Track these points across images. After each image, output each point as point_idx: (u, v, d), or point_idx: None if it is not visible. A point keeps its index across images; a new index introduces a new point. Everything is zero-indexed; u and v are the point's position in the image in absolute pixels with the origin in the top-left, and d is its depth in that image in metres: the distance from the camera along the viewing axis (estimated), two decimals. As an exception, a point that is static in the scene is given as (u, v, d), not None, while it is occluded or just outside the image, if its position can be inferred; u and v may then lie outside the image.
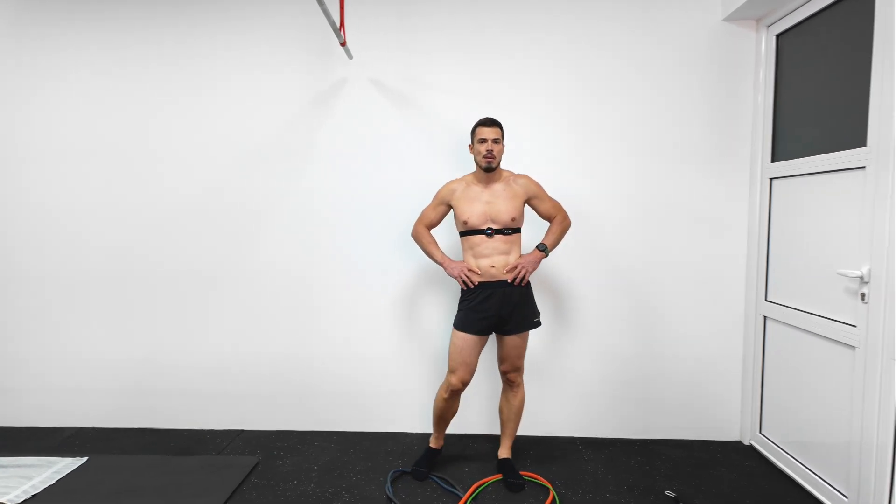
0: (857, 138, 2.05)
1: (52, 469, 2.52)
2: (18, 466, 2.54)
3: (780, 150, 2.59)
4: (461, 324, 2.38)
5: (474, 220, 2.34)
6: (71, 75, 2.97)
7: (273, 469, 2.60)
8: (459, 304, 2.43)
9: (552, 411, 2.94)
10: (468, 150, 2.46)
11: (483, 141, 2.32)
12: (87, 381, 3.10)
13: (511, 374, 2.47)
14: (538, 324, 2.45)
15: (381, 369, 2.99)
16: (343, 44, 2.58)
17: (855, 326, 2.07)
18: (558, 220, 2.43)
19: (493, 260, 2.34)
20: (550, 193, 2.47)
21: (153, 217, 3.00)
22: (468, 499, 2.31)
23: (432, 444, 2.61)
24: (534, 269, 2.36)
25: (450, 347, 2.41)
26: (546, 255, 2.41)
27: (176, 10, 2.91)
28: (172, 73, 2.94)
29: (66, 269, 3.05)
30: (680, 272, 2.84)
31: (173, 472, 2.53)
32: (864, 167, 2.01)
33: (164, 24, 2.92)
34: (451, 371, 2.40)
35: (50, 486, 2.38)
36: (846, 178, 2.12)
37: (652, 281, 2.85)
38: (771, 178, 2.63)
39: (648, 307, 2.87)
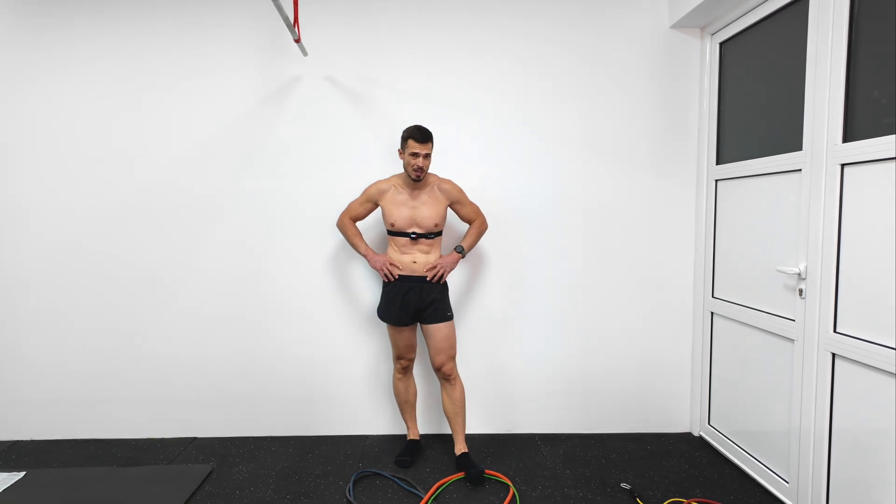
0: (794, 142, 2.16)
1: (-14, 486, 2.37)
2: (-53, 485, 2.37)
3: (725, 153, 2.71)
4: (388, 317, 2.55)
5: (400, 223, 2.50)
6: (31, 75, 2.82)
7: (228, 477, 2.53)
8: (381, 293, 2.60)
9: (510, 408, 2.98)
10: (398, 154, 2.52)
11: (415, 155, 2.41)
12: (23, 390, 2.93)
13: (446, 367, 2.54)
14: (451, 317, 2.57)
15: (337, 372, 2.95)
16: (297, 40, 2.53)
17: (793, 320, 2.18)
18: (476, 224, 2.61)
19: (415, 257, 2.52)
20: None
21: (98, 218, 2.86)
22: (430, 498, 2.31)
23: (410, 437, 2.75)
24: (451, 270, 2.54)
25: (389, 337, 2.65)
26: (463, 257, 2.58)
27: (124, 7, 2.80)
28: (132, 71, 2.83)
29: (-1, 273, 2.89)
30: (630, 270, 2.93)
31: (119, 483, 2.42)
32: (799, 170, 2.13)
33: (113, 22, 2.80)
34: (395, 356, 2.66)
35: (-17, 504, 2.24)
36: (784, 180, 2.24)
37: (604, 279, 2.93)
38: (716, 180, 2.75)
39: (602, 305, 2.94)
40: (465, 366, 2.85)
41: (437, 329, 2.52)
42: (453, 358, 2.57)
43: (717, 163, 2.75)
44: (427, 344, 2.57)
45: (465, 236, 2.62)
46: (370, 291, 2.92)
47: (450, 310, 2.58)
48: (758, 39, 2.46)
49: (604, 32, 2.83)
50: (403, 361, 2.66)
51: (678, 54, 2.84)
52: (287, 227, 2.88)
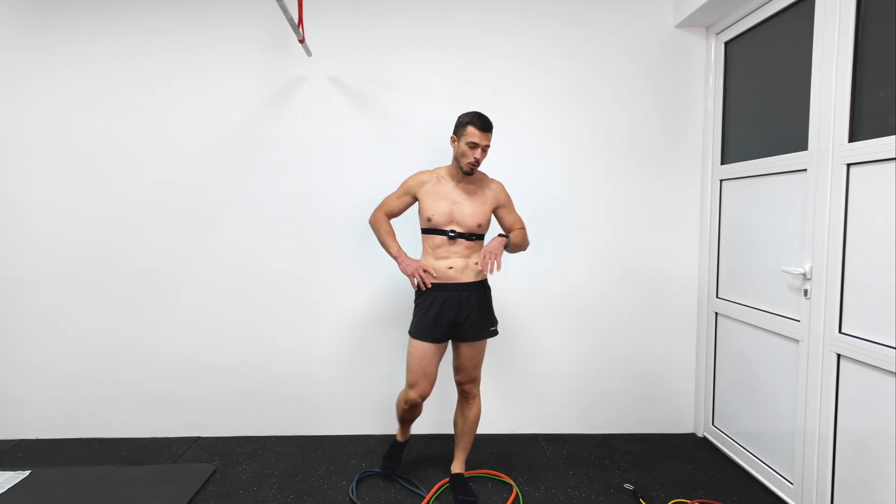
0: (799, 142, 2.15)
1: (-9, 484, 2.38)
2: (-47, 483, 2.38)
3: (730, 152, 2.70)
4: (417, 331, 2.23)
5: (438, 218, 2.20)
6: (32, 77, 2.83)
7: (232, 476, 2.53)
8: (414, 308, 2.29)
9: (513, 409, 2.98)
10: (450, 142, 2.23)
11: (474, 146, 2.13)
12: (28, 389, 2.94)
13: (467, 386, 2.33)
14: (495, 332, 2.31)
15: (341, 371, 2.96)
16: (301, 41, 2.53)
17: (798, 321, 2.17)
18: (521, 230, 2.32)
19: (451, 262, 2.21)
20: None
21: (102, 218, 2.87)
22: (431, 498, 2.31)
23: (399, 438, 2.52)
24: (501, 255, 2.10)
25: (408, 358, 2.26)
26: (507, 246, 2.18)
27: (126, 7, 2.81)
28: (134, 71, 2.83)
29: (4, 270, 2.89)
30: (635, 271, 2.92)
31: (124, 483, 2.42)
32: (805, 170, 2.12)
33: (114, 21, 2.81)
34: (410, 385, 2.26)
35: (-12, 502, 2.25)
36: (789, 179, 2.23)
37: (608, 279, 2.92)
38: (721, 180, 2.74)
39: (606, 305, 2.94)
40: (469, 366, 2.84)
41: (466, 346, 2.26)
42: (475, 380, 2.33)
43: (722, 162, 2.74)
44: (453, 355, 2.33)
45: (510, 234, 2.27)
46: (377, 293, 2.92)
47: (494, 322, 2.30)
48: (763, 39, 2.45)
49: (608, 32, 2.83)
50: (415, 396, 2.24)
51: (683, 54, 2.83)
52: (290, 227, 2.88)
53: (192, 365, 2.94)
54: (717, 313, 2.79)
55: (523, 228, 2.34)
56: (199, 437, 2.95)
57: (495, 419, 2.95)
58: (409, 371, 2.26)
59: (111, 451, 2.80)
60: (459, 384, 2.35)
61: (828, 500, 2.03)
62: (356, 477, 2.48)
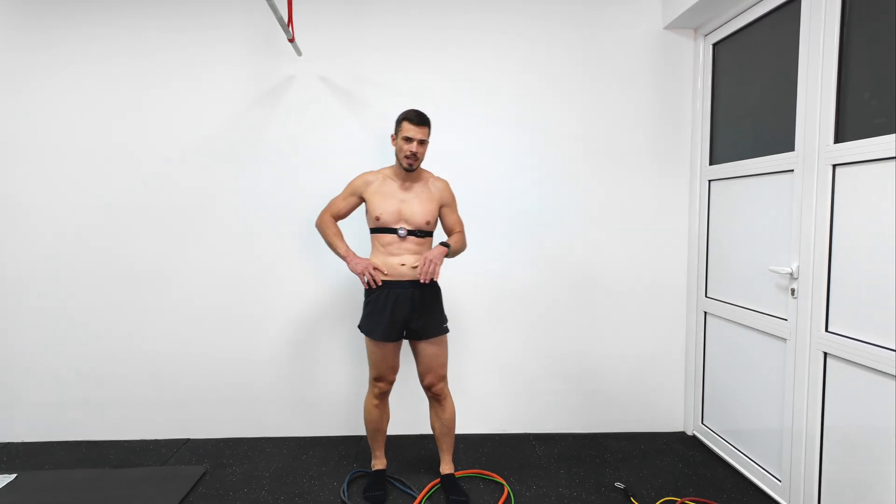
0: (786, 143, 2.18)
1: (-24, 489, 2.34)
2: (-63, 487, 2.35)
3: (718, 153, 2.73)
4: (368, 329, 2.25)
5: (387, 217, 2.22)
6: (32, 77, 2.80)
7: (222, 478, 2.52)
8: (365, 306, 2.29)
9: (504, 408, 2.98)
10: (390, 140, 2.28)
11: (409, 140, 2.18)
12: (13, 391, 2.90)
13: (437, 387, 2.32)
14: (447, 329, 2.32)
15: (332, 372, 2.95)
16: (291, 40, 2.52)
17: (786, 320, 2.20)
18: (460, 233, 2.36)
19: (403, 258, 2.22)
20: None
21: (88, 217, 2.84)
22: (422, 499, 2.31)
23: (376, 466, 2.45)
24: (440, 264, 2.16)
25: (369, 356, 2.30)
26: (447, 253, 2.22)
27: (120, 7, 2.79)
28: (128, 71, 2.81)
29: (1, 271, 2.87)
30: (625, 271, 2.94)
31: (112, 486, 2.40)
32: (792, 170, 2.14)
33: (110, 22, 2.79)
34: (374, 377, 2.32)
35: (-27, 507, 2.22)
36: (777, 180, 2.25)
37: (598, 279, 2.94)
38: (709, 180, 2.76)
39: (595, 305, 2.95)
40: (460, 365, 2.85)
41: (428, 345, 2.27)
42: (444, 378, 2.33)
43: (711, 163, 2.76)
44: (416, 360, 2.33)
45: (449, 238, 2.34)
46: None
47: (445, 319, 2.32)
48: (750, 41, 2.48)
49: (597, 33, 2.84)
50: (383, 385, 2.32)
51: (672, 55, 2.85)
52: (283, 226, 2.87)
53: (181, 366, 2.91)
54: (705, 312, 2.81)
55: (462, 232, 2.38)
56: (188, 439, 2.93)
57: (486, 419, 2.96)
58: (372, 367, 2.32)
59: (99, 454, 2.77)
60: (429, 387, 2.34)
61: (815, 497, 2.06)
62: (347, 478, 2.47)
